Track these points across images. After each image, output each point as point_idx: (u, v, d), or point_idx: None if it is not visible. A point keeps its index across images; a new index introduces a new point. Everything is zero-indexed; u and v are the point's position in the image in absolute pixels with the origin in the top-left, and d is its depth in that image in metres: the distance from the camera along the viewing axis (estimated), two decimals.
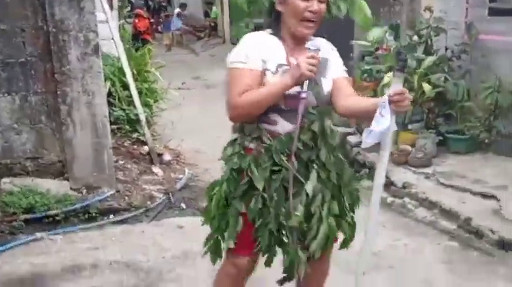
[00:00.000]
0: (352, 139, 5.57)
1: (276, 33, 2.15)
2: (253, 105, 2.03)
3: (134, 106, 5.40)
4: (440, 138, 4.89)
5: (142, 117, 5.36)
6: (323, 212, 2.12)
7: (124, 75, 5.55)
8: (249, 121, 2.12)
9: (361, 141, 5.25)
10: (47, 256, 3.58)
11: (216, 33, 19.39)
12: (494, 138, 4.79)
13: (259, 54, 2.07)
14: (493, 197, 4.09)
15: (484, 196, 4.13)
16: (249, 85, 2.04)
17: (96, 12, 4.67)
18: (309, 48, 2.03)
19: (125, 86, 5.57)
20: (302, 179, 2.08)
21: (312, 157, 2.11)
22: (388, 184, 4.64)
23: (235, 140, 2.18)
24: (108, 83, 5.46)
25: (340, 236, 2.30)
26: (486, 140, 4.82)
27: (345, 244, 2.33)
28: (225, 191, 2.16)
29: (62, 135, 4.53)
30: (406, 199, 4.38)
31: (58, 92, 4.47)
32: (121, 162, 5.00)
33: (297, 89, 2.03)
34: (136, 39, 10.93)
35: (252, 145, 2.13)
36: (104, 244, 3.73)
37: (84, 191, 4.48)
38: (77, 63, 4.47)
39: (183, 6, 19.52)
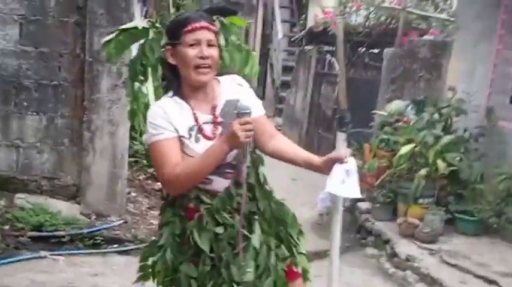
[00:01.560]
0: (362, 205, 5.59)
1: (176, 91, 2.08)
2: (191, 176, 1.98)
3: None
4: (449, 216, 4.89)
5: None
6: (270, 261, 2.06)
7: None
8: None
9: (370, 208, 5.30)
10: (47, 274, 3.64)
11: None
12: (503, 224, 4.78)
13: (169, 123, 2.00)
14: (495, 282, 4.05)
15: (486, 280, 4.09)
16: (175, 155, 1.99)
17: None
18: (238, 112, 1.91)
19: None
20: (248, 234, 2.02)
21: (253, 208, 2.06)
22: (392, 255, 4.64)
23: (174, 201, 2.10)
24: (130, 118, 5.59)
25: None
26: (495, 225, 4.81)
27: (306, 276, 2.27)
28: (170, 257, 2.05)
29: (81, 161, 4.66)
30: (408, 272, 4.35)
31: (84, 119, 4.63)
32: (133, 194, 5.08)
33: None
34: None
35: (192, 205, 2.05)
36: (104, 272, 3.77)
37: (93, 217, 4.56)
38: (107, 94, 4.64)
39: None
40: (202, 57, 2.01)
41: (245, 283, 1.99)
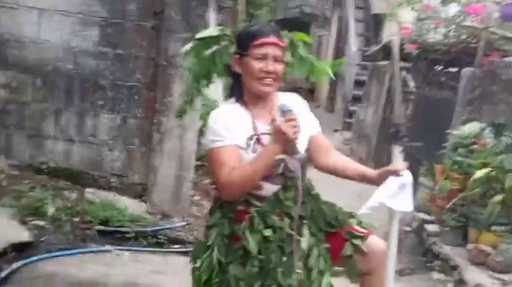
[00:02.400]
0: (430, 228, 5.38)
1: (238, 98, 2.15)
2: (247, 181, 2.02)
3: None
4: None
5: None
6: (320, 265, 2.10)
7: None
8: None
9: (439, 231, 5.10)
10: (111, 267, 3.73)
11: (312, 96, 19.70)
12: None
13: (229, 131, 2.06)
14: None
15: None
16: (233, 161, 2.02)
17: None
18: (282, 110, 2.01)
19: None
20: (298, 237, 2.08)
21: (302, 212, 2.11)
22: (460, 282, 4.41)
23: (223, 204, 2.16)
24: (201, 122, 5.67)
25: None
26: None
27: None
28: (217, 258, 2.08)
29: (149, 161, 4.75)
30: None
31: (155, 121, 4.73)
32: (197, 197, 5.13)
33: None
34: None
35: (241, 207, 2.11)
36: (165, 270, 3.82)
37: (158, 216, 4.63)
38: (178, 98, 4.71)
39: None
40: (267, 72, 2.07)
41: (291, 286, 2.02)
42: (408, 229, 5.82)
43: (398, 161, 2.14)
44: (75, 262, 3.73)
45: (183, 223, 4.61)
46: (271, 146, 2.00)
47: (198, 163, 5.45)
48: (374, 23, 12.20)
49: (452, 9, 7.88)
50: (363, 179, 2.19)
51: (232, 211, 2.12)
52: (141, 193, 4.77)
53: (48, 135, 4.74)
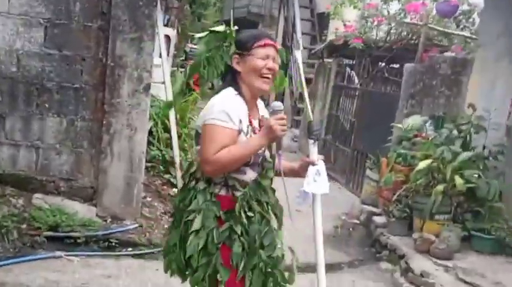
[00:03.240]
0: (377, 219, 5.56)
1: (238, 91, 2.34)
2: (231, 162, 2.22)
3: (171, 148, 5.54)
4: (466, 233, 4.84)
5: (177, 160, 5.48)
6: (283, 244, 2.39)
7: (167, 118, 5.75)
8: None
9: (386, 222, 5.27)
10: (61, 274, 3.67)
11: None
12: None
13: (238, 115, 2.25)
14: None
15: None
16: (226, 144, 2.20)
17: (153, 55, 4.92)
18: (274, 110, 2.25)
19: (166, 129, 5.76)
20: (269, 218, 2.34)
21: (270, 199, 2.38)
22: (407, 270, 4.59)
23: (205, 188, 2.30)
24: (151, 123, 5.66)
25: None
26: (511, 244, 4.75)
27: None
28: (204, 240, 2.25)
29: (99, 163, 4.70)
30: None
31: (104, 122, 4.67)
32: (148, 199, 5.11)
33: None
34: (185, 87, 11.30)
35: (222, 192, 2.29)
36: (117, 274, 3.79)
37: (109, 219, 4.59)
38: (127, 98, 4.69)
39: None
40: (269, 69, 2.32)
41: (278, 258, 2.33)
42: (356, 221, 5.99)
43: (313, 152, 2.42)
44: (25, 270, 3.65)
45: (135, 225, 4.58)
46: (261, 138, 2.24)
47: (149, 164, 5.44)
48: (319, 22, 12.41)
49: (394, 7, 8.13)
50: (292, 173, 2.47)
51: (215, 196, 2.28)
52: (91, 196, 4.71)
53: None
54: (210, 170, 2.23)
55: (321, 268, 2.48)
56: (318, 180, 2.35)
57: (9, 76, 4.58)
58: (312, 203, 2.44)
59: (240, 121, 2.25)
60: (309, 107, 2.72)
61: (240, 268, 2.24)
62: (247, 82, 2.33)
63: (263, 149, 2.32)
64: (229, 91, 2.33)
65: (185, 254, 2.28)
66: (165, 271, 2.44)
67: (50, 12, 4.59)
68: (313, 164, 2.39)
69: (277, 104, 2.28)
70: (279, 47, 2.43)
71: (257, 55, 2.31)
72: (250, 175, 2.32)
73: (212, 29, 2.46)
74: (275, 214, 2.40)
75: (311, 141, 2.46)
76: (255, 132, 2.31)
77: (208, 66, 2.41)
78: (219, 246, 2.24)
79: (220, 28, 2.44)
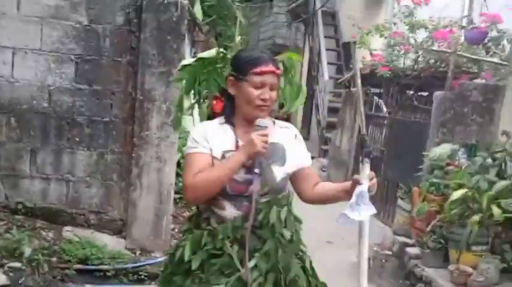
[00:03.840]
0: (411, 251, 5.41)
1: (228, 118, 2.19)
2: (207, 183, 2.05)
3: None
4: (505, 265, 4.66)
5: None
6: None
7: None
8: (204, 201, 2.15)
9: (420, 254, 5.12)
10: None
11: None
12: None
13: (206, 141, 2.11)
14: None
15: None
16: (201, 167, 2.07)
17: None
18: (258, 125, 2.08)
19: None
20: (239, 267, 2.05)
21: (257, 246, 2.09)
22: None
23: (191, 217, 2.25)
24: (180, 154, 5.67)
25: None
26: None
27: None
28: (169, 268, 2.22)
29: (128, 196, 4.72)
30: None
31: (133, 155, 4.71)
32: (177, 231, 5.08)
33: (243, 175, 2.09)
34: (211, 119, 11.38)
35: (203, 225, 2.16)
36: None
37: (138, 252, 4.58)
38: (156, 131, 4.72)
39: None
40: (263, 100, 2.11)
41: None
42: (389, 252, 5.84)
43: (364, 171, 2.10)
44: None
45: (164, 258, 4.54)
46: (239, 153, 2.07)
47: (177, 195, 5.43)
48: (345, 52, 12.43)
49: (421, 35, 8.09)
50: (343, 194, 2.17)
51: (196, 226, 2.18)
52: (120, 228, 4.72)
53: (24, 175, 4.68)
54: (188, 196, 2.13)
55: None
56: (360, 203, 2.04)
57: (41, 111, 4.67)
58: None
59: (211, 149, 2.10)
60: (363, 121, 2.33)
61: None
62: (241, 109, 2.16)
63: (256, 176, 2.05)
64: (215, 120, 2.21)
65: None
66: None
67: (81, 48, 4.69)
68: (359, 183, 2.06)
69: (262, 121, 2.09)
70: (280, 71, 2.21)
71: (252, 83, 2.10)
72: (230, 211, 2.10)
73: (200, 55, 2.32)
74: (266, 268, 2.07)
75: (364, 159, 2.13)
76: None
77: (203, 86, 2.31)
78: (183, 274, 2.14)
79: (210, 53, 2.30)
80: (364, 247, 2.17)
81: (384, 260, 5.67)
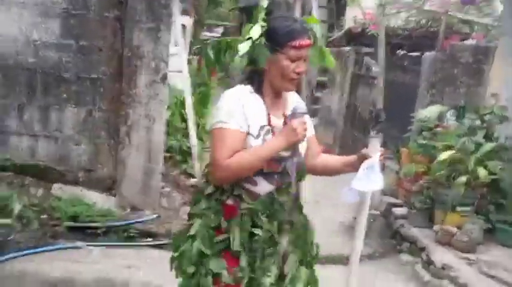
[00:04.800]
0: (397, 211, 5.49)
1: (257, 89, 2.11)
2: (244, 168, 2.00)
3: (188, 138, 5.52)
4: (489, 226, 4.75)
5: (194, 150, 5.46)
6: (296, 273, 2.14)
7: (184, 107, 5.73)
8: None
9: (406, 214, 5.19)
10: (82, 264, 3.68)
11: None
12: None
13: (243, 116, 2.03)
14: None
15: None
16: (235, 147, 1.99)
17: (169, 45, 4.87)
18: (296, 112, 2.03)
19: (183, 119, 5.73)
20: (278, 240, 2.09)
21: (286, 218, 2.12)
22: (428, 262, 4.53)
23: (211, 194, 2.11)
24: (169, 113, 5.63)
25: None
26: None
27: None
28: (198, 248, 2.08)
29: (117, 154, 4.69)
30: (445, 282, 4.24)
31: (121, 113, 4.66)
32: (167, 189, 5.10)
33: (280, 153, 2.04)
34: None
35: (230, 202, 2.08)
36: (138, 265, 3.79)
37: (128, 210, 4.59)
38: (144, 89, 4.66)
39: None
40: (297, 73, 2.07)
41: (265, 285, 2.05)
42: (376, 212, 5.92)
43: (373, 145, 2.12)
44: (45, 260, 3.67)
45: (154, 216, 4.57)
46: (278, 140, 2.01)
47: (167, 154, 5.42)
48: (337, 9, 12.27)
49: None
50: (347, 167, 2.22)
51: (221, 204, 2.09)
52: (109, 186, 4.71)
53: (12, 131, 4.62)
54: (221, 177, 2.04)
55: (355, 267, 2.32)
56: (368, 176, 2.05)
57: (27, 67, 4.58)
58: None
59: (247, 123, 2.03)
60: (380, 93, 2.36)
61: (242, 285, 2.05)
62: (271, 80, 2.09)
63: (288, 155, 2.06)
64: (243, 88, 2.10)
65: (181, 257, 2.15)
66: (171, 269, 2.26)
67: (67, 2, 4.56)
68: (368, 157, 2.09)
69: (300, 106, 2.06)
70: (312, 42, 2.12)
71: (289, 56, 2.04)
72: (263, 186, 2.08)
73: (249, 36, 2.12)
74: (295, 239, 2.15)
75: (373, 132, 2.16)
76: (273, 134, 2.07)
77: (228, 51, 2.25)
78: (215, 255, 2.07)
79: (257, 30, 2.22)
80: (363, 219, 2.24)
81: (371, 220, 5.75)
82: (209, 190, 2.12)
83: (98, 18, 4.63)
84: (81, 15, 4.60)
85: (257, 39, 2.08)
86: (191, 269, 2.10)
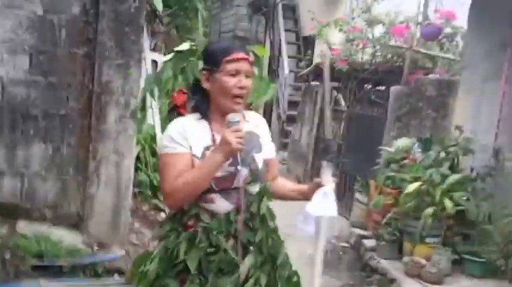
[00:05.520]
0: (367, 243, 5.53)
1: (203, 114, 2.13)
2: (187, 188, 2.00)
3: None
4: (456, 257, 4.81)
5: None
6: None
7: (155, 142, 5.72)
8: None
9: (376, 246, 5.23)
10: None
11: None
12: (511, 266, 4.70)
13: (185, 139, 2.05)
14: None
15: None
16: (181, 170, 2.01)
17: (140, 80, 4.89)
18: (230, 122, 2.01)
19: (154, 153, 5.72)
20: (238, 263, 2.05)
21: (250, 238, 2.08)
22: None
23: (175, 215, 2.12)
24: (139, 148, 5.61)
25: None
26: (503, 267, 4.72)
27: None
28: (155, 269, 2.07)
29: (85, 190, 4.63)
30: None
31: (90, 148, 4.62)
32: (136, 225, 5.04)
33: (226, 169, 2.04)
34: (173, 112, 11.24)
35: (190, 222, 2.07)
36: None
37: (95, 247, 4.50)
38: (113, 124, 4.64)
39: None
40: (240, 88, 2.07)
41: None
42: (346, 244, 5.95)
43: (326, 174, 2.17)
44: None
45: (122, 253, 4.50)
46: (215, 153, 2.00)
47: (137, 189, 5.38)
48: (305, 45, 12.53)
49: (378, 30, 8.24)
50: (302, 196, 2.25)
51: (182, 225, 2.09)
52: (77, 223, 4.63)
53: None
54: (169, 202, 2.08)
55: None
56: (323, 202, 2.10)
57: None
58: (317, 231, 2.19)
59: (190, 146, 2.04)
60: (329, 125, 2.46)
61: None
62: (217, 102, 2.10)
63: (232, 170, 2.05)
64: (190, 116, 2.14)
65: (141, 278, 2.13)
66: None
67: (35, 39, 4.55)
68: (322, 185, 2.14)
69: (234, 117, 2.02)
70: (253, 57, 2.19)
71: (226, 72, 2.05)
72: (220, 204, 2.06)
73: (177, 48, 2.33)
74: (258, 260, 2.09)
75: (326, 162, 2.23)
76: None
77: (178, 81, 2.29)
78: (174, 278, 2.05)
79: (185, 46, 2.30)
80: (320, 246, 2.22)
81: (341, 252, 5.78)
82: (171, 213, 2.15)
83: (67, 54, 4.61)
84: (50, 52, 4.59)
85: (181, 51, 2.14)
86: None
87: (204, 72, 2.12)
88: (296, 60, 12.89)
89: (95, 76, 4.61)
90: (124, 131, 4.66)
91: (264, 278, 2.09)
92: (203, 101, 2.14)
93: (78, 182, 4.67)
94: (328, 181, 2.15)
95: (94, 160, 4.61)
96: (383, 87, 8.13)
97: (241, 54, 2.08)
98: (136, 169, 5.28)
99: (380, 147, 6.14)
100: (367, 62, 8.25)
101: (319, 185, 2.15)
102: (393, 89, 6.71)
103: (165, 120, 6.54)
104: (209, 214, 2.06)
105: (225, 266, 2.04)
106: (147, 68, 5.87)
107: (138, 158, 5.52)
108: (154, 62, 6.73)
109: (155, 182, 5.58)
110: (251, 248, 2.09)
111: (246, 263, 2.06)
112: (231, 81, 2.06)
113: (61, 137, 4.65)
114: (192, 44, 2.28)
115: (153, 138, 5.77)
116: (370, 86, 8.34)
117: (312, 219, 2.14)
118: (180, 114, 7.63)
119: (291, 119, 11.22)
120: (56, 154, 4.65)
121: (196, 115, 2.14)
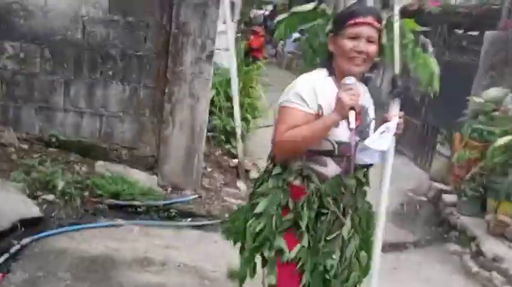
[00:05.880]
0: (447, 198, 5.27)
1: (331, 73, 2.16)
2: (297, 140, 2.03)
3: (233, 118, 5.43)
4: None
5: (238, 130, 5.37)
6: (355, 258, 2.20)
7: (230, 86, 5.63)
8: (295, 158, 2.12)
9: (456, 201, 4.97)
10: (121, 242, 3.68)
11: None
12: None
13: (314, 97, 2.07)
14: None
15: None
16: (297, 124, 2.04)
17: (217, 22, 4.78)
18: (344, 84, 2.03)
19: (228, 98, 5.65)
20: (344, 223, 2.14)
21: (350, 202, 2.16)
22: (477, 253, 4.32)
23: (279, 174, 2.16)
24: (214, 92, 5.56)
25: None
26: None
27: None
28: (264, 225, 2.13)
29: (160, 132, 4.67)
30: (494, 273, 4.04)
31: (166, 90, 4.62)
32: (209, 169, 5.06)
33: (350, 137, 2.04)
34: (248, 55, 11.09)
35: (297, 182, 2.12)
36: (176, 245, 3.76)
37: (169, 189, 4.58)
38: (190, 67, 4.60)
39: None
40: (358, 51, 2.07)
41: (331, 266, 2.10)
42: (424, 198, 5.72)
43: (392, 109, 2.27)
44: (86, 237, 3.69)
45: (195, 196, 4.55)
46: (331, 113, 2.02)
47: (210, 134, 5.37)
48: None
49: None
50: None
51: (287, 184, 2.13)
52: (152, 165, 4.71)
53: (58, 108, 4.68)
54: (277, 151, 2.13)
55: (378, 242, 2.38)
56: (382, 136, 2.13)
57: (74, 43, 4.60)
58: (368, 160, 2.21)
59: (320, 106, 2.05)
60: (398, 59, 2.37)
61: (299, 264, 2.08)
62: (338, 64, 2.13)
63: (356, 141, 2.08)
64: (319, 73, 2.16)
65: (244, 234, 2.21)
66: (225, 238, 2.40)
67: None
68: (387, 120, 2.18)
69: (349, 79, 2.04)
70: (381, 24, 2.13)
71: (346, 35, 2.07)
72: (332, 168, 2.11)
73: (295, 9, 2.27)
74: (357, 224, 2.20)
75: (392, 96, 2.29)
76: None
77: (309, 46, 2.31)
78: (280, 233, 2.11)
79: (303, 8, 2.24)
80: (386, 183, 2.36)
81: (418, 206, 5.56)
82: (276, 170, 2.17)
83: None
84: None
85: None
86: (255, 245, 2.16)
87: (330, 34, 2.18)
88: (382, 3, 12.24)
89: (173, 16, 4.54)
90: (200, 74, 4.61)
91: (358, 239, 2.20)
92: (330, 62, 2.18)
93: (154, 125, 4.72)
94: (394, 115, 2.21)
95: (169, 102, 4.62)
96: (476, 33, 7.52)
97: (363, 19, 2.07)
98: (210, 113, 5.25)
99: (468, 97, 5.73)
100: (460, 4, 7.65)
101: (385, 120, 2.19)
102: (488, 34, 6.18)
103: (240, 63, 6.44)
104: (320, 176, 2.11)
105: (332, 227, 2.12)
106: (224, 8, 5.72)
107: (212, 102, 5.48)
108: (232, 3, 6.58)
109: (228, 128, 5.54)
110: (349, 210, 2.16)
111: (348, 225, 2.15)
112: (349, 44, 2.07)
113: (138, 78, 4.68)
114: (319, 6, 2.25)
115: (228, 82, 5.68)
116: (462, 31, 7.75)
117: (368, 150, 2.14)
118: (255, 58, 7.54)
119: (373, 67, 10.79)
120: (133, 95, 4.70)
121: (324, 72, 2.17)
